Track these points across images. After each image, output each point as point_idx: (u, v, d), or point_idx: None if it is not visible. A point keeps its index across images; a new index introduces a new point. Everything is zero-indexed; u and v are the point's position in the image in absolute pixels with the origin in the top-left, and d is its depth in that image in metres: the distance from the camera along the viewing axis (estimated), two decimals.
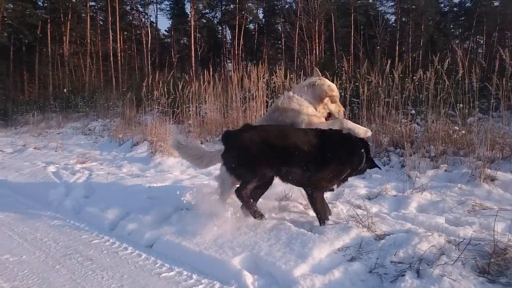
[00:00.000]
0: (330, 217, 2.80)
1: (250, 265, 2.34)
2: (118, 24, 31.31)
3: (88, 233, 3.16)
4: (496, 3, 38.03)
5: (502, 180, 3.76)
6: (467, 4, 38.42)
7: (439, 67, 5.16)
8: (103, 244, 2.92)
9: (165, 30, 40.71)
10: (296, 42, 30.34)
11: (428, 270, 1.98)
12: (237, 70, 7.45)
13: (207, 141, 6.86)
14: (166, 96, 8.19)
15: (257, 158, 2.69)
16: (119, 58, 31.39)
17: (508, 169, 4.10)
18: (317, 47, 29.55)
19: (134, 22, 36.47)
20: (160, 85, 8.01)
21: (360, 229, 2.58)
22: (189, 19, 34.24)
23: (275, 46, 39.65)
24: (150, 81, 8.62)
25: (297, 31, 30.27)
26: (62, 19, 30.10)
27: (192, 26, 32.88)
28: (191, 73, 10.23)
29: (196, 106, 8.08)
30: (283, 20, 34.30)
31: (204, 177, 4.68)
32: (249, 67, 6.82)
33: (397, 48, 33.23)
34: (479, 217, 2.90)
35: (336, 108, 3.22)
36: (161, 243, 2.79)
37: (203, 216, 3.12)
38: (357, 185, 4.00)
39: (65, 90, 18.90)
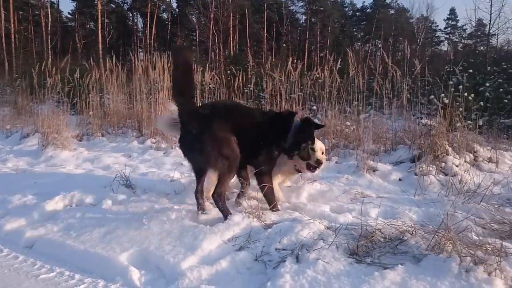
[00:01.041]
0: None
1: (139, 260, 2.28)
2: (11, 1, 27.97)
3: None
4: (392, 11, 42.11)
5: (381, 170, 4.21)
6: (368, 10, 41.91)
7: (335, 66, 5.54)
8: None
9: (69, 13, 37.49)
10: (210, 35, 30.17)
11: (306, 255, 2.13)
12: (144, 60, 7.17)
13: (109, 134, 6.51)
14: (66, 84, 7.57)
15: None
16: (12, 40, 28.06)
17: (388, 160, 4.58)
18: (231, 42, 29.74)
19: (31, 1, 32.88)
20: (54, 72, 7.32)
21: (251, 219, 2.68)
22: (96, 2, 31.96)
23: (189, 38, 38.98)
24: (45, 66, 7.85)
25: (211, 24, 30.11)
26: None
27: (99, 11, 30.78)
28: (97, 61, 9.57)
29: (100, 96, 7.61)
30: (197, 11, 33.84)
31: (101, 171, 4.44)
32: (155, 57, 6.59)
33: (306, 47, 34.99)
34: (358, 204, 3.19)
35: None
36: (43, 243, 2.58)
37: (95, 212, 2.99)
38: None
39: None
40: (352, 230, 2.48)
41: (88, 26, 36.78)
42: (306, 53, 33.80)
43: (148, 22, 33.25)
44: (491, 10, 10.22)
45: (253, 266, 2.19)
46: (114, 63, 7.29)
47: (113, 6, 37.03)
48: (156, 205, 3.14)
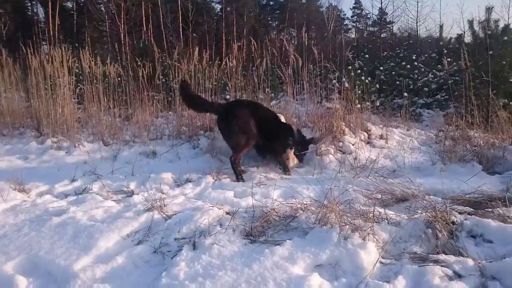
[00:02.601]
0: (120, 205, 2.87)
1: (27, 267, 2.14)
2: None
3: None
4: (303, 1, 43.66)
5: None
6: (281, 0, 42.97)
7: (240, 55, 5.64)
8: None
9: None
10: (122, 25, 28.56)
11: (202, 241, 2.18)
12: (49, 53, 6.56)
13: (3, 135, 5.91)
14: None
15: None
16: None
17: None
18: (144, 33, 28.52)
19: None
20: None
21: (152, 212, 2.66)
22: None
23: (99, 29, 36.52)
24: None
25: (122, 14, 28.51)
26: None
27: None
28: None
29: None
30: (105, 0, 31.81)
31: None
32: (51, 51, 6.09)
33: (223, 37, 34.88)
34: (261, 188, 3.34)
35: None
36: None
37: None
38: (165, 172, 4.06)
39: None
40: (251, 212, 2.59)
41: None
42: (224, 43, 33.72)
43: (50, 12, 30.54)
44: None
45: (151, 258, 2.19)
46: (5, 58, 6.59)
47: None
48: (51, 208, 2.95)
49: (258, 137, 4.02)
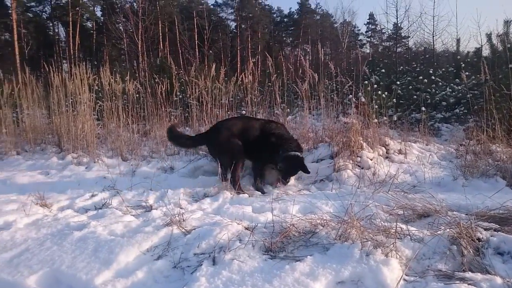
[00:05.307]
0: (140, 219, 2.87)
1: (49, 281, 2.16)
2: None
3: None
4: (317, 17, 44.12)
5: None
6: (295, 16, 43.51)
7: (257, 71, 5.69)
8: None
9: None
10: (140, 43, 29.27)
11: (222, 256, 2.17)
12: (69, 71, 6.76)
13: (26, 151, 6.06)
14: None
15: None
16: None
17: (312, 158, 4.79)
18: (161, 50, 29.16)
19: None
20: None
21: (171, 227, 2.67)
22: (10, 11, 29.60)
23: (117, 47, 37.51)
24: None
25: (140, 32, 29.24)
26: None
27: (15, 20, 28.56)
28: (14, 73, 8.84)
29: (17, 111, 7.08)
30: (124, 19, 32.71)
31: (14, 193, 4.11)
32: (73, 69, 6.27)
33: (238, 54, 35.37)
34: (280, 203, 3.32)
35: None
36: None
37: (3, 236, 2.79)
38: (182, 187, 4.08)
39: None
40: (270, 228, 2.57)
41: (3, 37, 33.93)
42: (239, 59, 34.21)
43: (71, 32, 31.52)
44: (397, 14, 11.14)
45: (171, 273, 2.18)
46: (28, 76, 6.81)
47: (30, 15, 34.60)
48: (72, 222, 2.99)
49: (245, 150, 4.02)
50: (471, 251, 2.01)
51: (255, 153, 4.07)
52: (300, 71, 5.68)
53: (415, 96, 7.30)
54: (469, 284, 1.76)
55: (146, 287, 2.05)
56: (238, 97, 6.67)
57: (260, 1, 41.91)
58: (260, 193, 3.86)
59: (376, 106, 6.05)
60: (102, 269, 2.17)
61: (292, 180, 4.14)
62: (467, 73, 6.64)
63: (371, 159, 4.29)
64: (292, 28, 44.49)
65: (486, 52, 8.14)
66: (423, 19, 12.29)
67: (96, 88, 7.06)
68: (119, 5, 35.21)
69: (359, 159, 4.31)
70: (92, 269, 2.18)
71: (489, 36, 6.75)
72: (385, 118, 5.98)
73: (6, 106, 6.77)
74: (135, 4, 32.46)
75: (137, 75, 9.17)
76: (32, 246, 2.53)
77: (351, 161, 4.27)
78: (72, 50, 30.65)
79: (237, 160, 3.90)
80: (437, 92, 7.69)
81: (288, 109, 7.28)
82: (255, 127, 4.18)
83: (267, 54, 6.09)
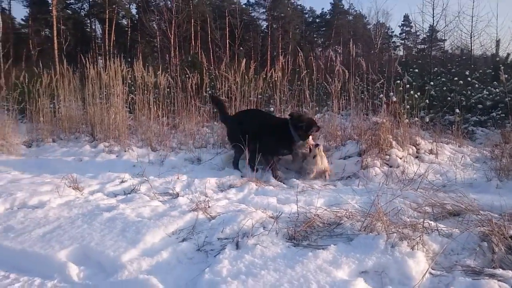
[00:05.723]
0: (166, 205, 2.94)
1: (79, 257, 2.24)
2: None
3: None
4: (350, 17, 43.50)
5: (334, 163, 4.37)
6: (327, 17, 43.09)
7: (287, 66, 5.69)
8: None
9: (22, 19, 35.91)
10: (172, 40, 29.82)
11: (245, 241, 2.19)
12: (104, 66, 7.00)
13: (61, 139, 6.31)
14: (14, 90, 7.28)
15: None
16: None
17: (339, 155, 4.73)
18: (192, 48, 29.58)
19: None
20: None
21: (196, 212, 2.71)
22: (50, 8, 30.85)
23: (150, 44, 38.37)
24: None
25: (173, 29, 29.80)
26: None
27: (55, 17, 29.73)
28: (52, 67, 9.22)
29: (54, 102, 7.39)
30: (158, 17, 33.43)
31: (49, 175, 4.29)
32: (107, 62, 6.46)
33: (269, 53, 35.37)
34: (305, 196, 3.30)
35: None
36: None
37: (38, 213, 2.91)
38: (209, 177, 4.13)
39: None
40: (294, 217, 2.57)
41: (43, 33, 35.40)
42: (269, 59, 34.20)
43: (107, 29, 32.50)
44: (433, 12, 10.79)
45: (195, 255, 2.22)
46: (65, 68, 7.08)
47: (70, 12, 35.93)
48: (102, 204, 3.09)
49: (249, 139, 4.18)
50: (503, 249, 1.94)
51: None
52: (330, 71, 5.61)
53: (449, 98, 7.06)
54: (499, 280, 1.70)
55: (170, 267, 2.10)
56: (266, 94, 6.67)
57: (293, 1, 41.79)
58: (285, 185, 3.85)
59: (408, 107, 5.90)
60: (129, 248, 2.24)
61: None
62: (506, 75, 6.36)
63: (400, 158, 4.20)
64: (323, 28, 44.09)
65: None
66: (461, 19, 11.81)
67: (129, 82, 7.25)
68: (153, 3, 36.06)
69: (387, 157, 4.23)
70: (119, 247, 2.25)
71: None
72: (416, 119, 5.83)
73: (44, 96, 7.06)
74: (169, 2, 33.15)
75: (168, 69, 9.32)
76: (63, 224, 2.64)
77: (379, 159, 4.20)
78: (107, 47, 31.58)
79: (237, 148, 4.36)
80: (473, 94, 7.42)
81: (317, 108, 7.22)
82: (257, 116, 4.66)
83: (298, 49, 6.04)
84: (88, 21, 37.27)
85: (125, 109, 6.42)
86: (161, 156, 4.99)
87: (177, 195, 3.39)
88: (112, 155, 5.14)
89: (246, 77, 6.16)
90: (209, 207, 2.82)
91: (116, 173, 4.18)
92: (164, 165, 4.65)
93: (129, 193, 3.51)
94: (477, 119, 6.96)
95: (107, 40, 31.87)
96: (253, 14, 40.65)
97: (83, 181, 3.92)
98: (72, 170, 4.35)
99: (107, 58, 8.53)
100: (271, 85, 6.50)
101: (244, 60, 6.00)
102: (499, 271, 1.78)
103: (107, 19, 32.29)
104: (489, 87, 7.54)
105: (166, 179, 3.98)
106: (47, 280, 2.06)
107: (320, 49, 41.89)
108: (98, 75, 6.46)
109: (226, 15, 35.29)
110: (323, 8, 59.78)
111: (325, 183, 3.88)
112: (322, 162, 4.08)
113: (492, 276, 1.75)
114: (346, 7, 43.39)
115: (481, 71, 8.92)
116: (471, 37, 10.54)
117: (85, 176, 4.14)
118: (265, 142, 4.14)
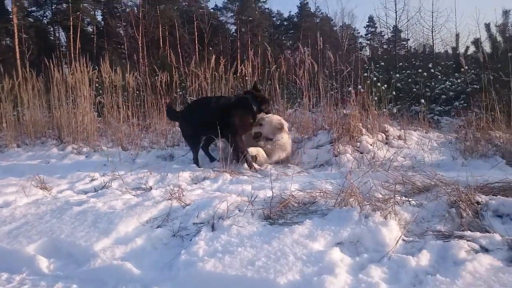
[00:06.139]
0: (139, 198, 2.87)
1: (48, 249, 2.16)
2: None
3: None
4: (317, 20, 44.27)
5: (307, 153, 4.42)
6: (295, 19, 43.70)
7: (256, 62, 5.72)
8: None
9: None
10: (140, 42, 29.34)
11: (221, 223, 2.17)
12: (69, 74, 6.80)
13: (26, 144, 6.08)
14: None
15: None
16: None
17: (311, 145, 4.77)
18: (161, 53, 29.21)
19: None
20: None
21: (170, 201, 2.67)
22: (11, 17, 29.79)
23: (117, 51, 37.64)
24: None
25: (141, 32, 29.35)
26: None
27: (15, 25, 28.73)
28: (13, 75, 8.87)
29: (15, 107, 7.12)
30: (124, 23, 32.86)
31: (14, 178, 4.12)
32: (73, 63, 6.29)
33: (238, 57, 35.46)
34: (279, 183, 3.32)
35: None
36: None
37: (3, 212, 2.79)
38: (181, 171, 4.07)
39: None
40: (269, 200, 2.57)
41: (4, 42, 34.08)
42: (239, 60, 34.28)
43: (72, 36, 31.65)
44: (395, 8, 11.22)
45: (170, 241, 2.18)
46: (28, 71, 6.84)
47: (31, 20, 34.79)
48: (72, 200, 3.00)
49: (198, 130, 4.26)
50: (470, 214, 2.02)
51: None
52: (300, 65, 5.67)
53: (414, 90, 7.30)
54: (468, 240, 1.76)
55: (145, 253, 2.06)
56: (238, 90, 6.66)
57: (260, 4, 42.14)
58: (260, 175, 3.84)
59: (376, 99, 6.05)
60: (101, 237, 2.18)
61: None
62: (466, 67, 6.64)
63: (370, 144, 4.29)
64: (291, 31, 44.66)
65: (486, 46, 8.14)
66: (422, 15, 12.27)
67: (96, 85, 7.08)
68: (120, 9, 35.48)
69: (358, 144, 4.32)
70: (91, 237, 2.18)
71: (487, 26, 6.76)
72: (384, 110, 5.98)
73: (6, 100, 6.79)
74: (135, 8, 32.70)
75: (137, 71, 9.18)
76: (31, 220, 2.54)
77: (350, 146, 4.28)
78: (73, 54, 30.72)
79: (187, 138, 4.48)
80: (436, 85, 7.69)
81: (288, 104, 7.28)
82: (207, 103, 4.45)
83: (267, 46, 6.09)
84: (52, 29, 36.20)
85: (93, 112, 6.26)
86: (132, 155, 4.89)
87: (150, 188, 3.32)
88: (81, 156, 4.99)
89: (216, 73, 6.13)
90: (183, 195, 2.79)
91: (86, 172, 4.06)
92: (136, 163, 4.55)
93: (100, 189, 3.41)
94: (441, 108, 7.22)
95: (72, 47, 31.00)
96: (221, 18, 40.71)
97: (51, 181, 3.78)
98: (39, 172, 4.17)
99: (73, 65, 8.28)
100: (241, 82, 6.52)
101: (214, 56, 5.97)
102: (468, 233, 1.84)
103: (71, 26, 31.48)
104: (451, 79, 7.84)
105: (139, 175, 3.90)
106: (15, 274, 1.98)
107: (289, 52, 42.45)
108: (64, 79, 6.27)
109: (195, 19, 35.15)
110: (290, 11, 60.56)
111: (298, 170, 3.91)
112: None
113: (461, 237, 1.81)
114: (313, 9, 44.21)
115: (443, 63, 9.27)
116: (432, 31, 10.96)
117: (53, 176, 4.00)
118: (234, 121, 4.06)
